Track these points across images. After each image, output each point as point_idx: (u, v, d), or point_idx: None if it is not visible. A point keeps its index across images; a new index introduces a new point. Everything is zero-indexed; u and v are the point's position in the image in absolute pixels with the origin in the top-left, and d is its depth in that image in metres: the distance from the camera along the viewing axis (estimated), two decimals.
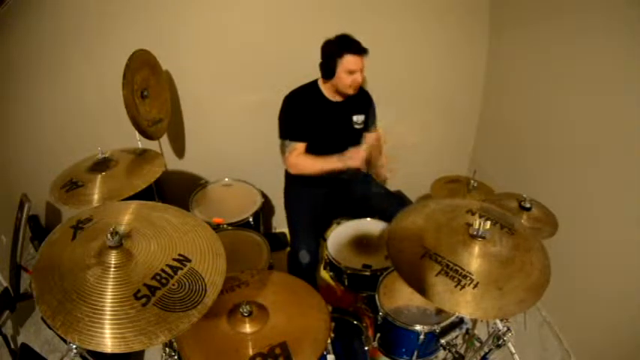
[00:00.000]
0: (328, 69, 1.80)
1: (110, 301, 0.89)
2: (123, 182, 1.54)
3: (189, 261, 1.01)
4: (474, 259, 1.13)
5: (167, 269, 0.97)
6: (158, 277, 0.95)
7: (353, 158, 1.77)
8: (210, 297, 0.95)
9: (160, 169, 1.64)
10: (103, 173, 1.55)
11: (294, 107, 1.91)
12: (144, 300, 0.90)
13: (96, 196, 1.48)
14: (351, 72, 1.76)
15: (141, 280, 0.94)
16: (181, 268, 0.99)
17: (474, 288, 1.06)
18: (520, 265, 1.12)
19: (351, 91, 1.82)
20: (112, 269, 0.94)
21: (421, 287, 1.09)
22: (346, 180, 1.98)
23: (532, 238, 1.23)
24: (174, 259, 1.00)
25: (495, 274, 1.09)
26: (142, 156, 1.72)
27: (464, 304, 1.04)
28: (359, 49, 1.74)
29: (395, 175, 1.93)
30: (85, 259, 0.97)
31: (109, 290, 0.91)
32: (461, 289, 1.06)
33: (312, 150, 1.91)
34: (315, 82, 1.92)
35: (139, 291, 0.91)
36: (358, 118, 1.97)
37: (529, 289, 1.06)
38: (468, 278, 1.08)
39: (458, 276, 1.09)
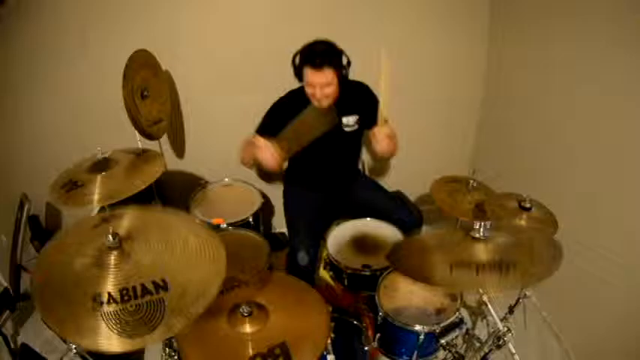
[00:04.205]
0: (299, 76, 1.73)
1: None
2: (123, 182, 1.54)
3: (165, 290, 0.91)
4: (485, 253, 1.17)
5: (138, 287, 0.90)
6: (124, 292, 0.89)
7: (260, 149, 1.63)
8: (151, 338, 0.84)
9: (160, 169, 1.63)
10: (103, 173, 1.55)
11: (276, 111, 1.86)
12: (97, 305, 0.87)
13: (96, 196, 1.48)
14: (311, 85, 1.67)
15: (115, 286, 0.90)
16: (151, 294, 0.90)
17: (496, 270, 1.12)
18: (529, 242, 1.21)
19: (317, 104, 1.71)
20: (106, 270, 0.93)
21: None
22: (345, 184, 1.96)
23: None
24: (153, 282, 0.91)
25: (510, 253, 1.16)
26: (142, 156, 1.72)
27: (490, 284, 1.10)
28: (315, 64, 1.61)
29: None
30: (86, 257, 0.96)
31: (102, 290, 0.90)
32: (483, 274, 1.11)
33: (302, 155, 1.84)
34: (302, 87, 1.79)
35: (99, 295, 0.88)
36: (349, 120, 1.86)
37: (551, 255, 1.15)
38: (482, 265, 1.13)
39: (474, 267, 1.13)
